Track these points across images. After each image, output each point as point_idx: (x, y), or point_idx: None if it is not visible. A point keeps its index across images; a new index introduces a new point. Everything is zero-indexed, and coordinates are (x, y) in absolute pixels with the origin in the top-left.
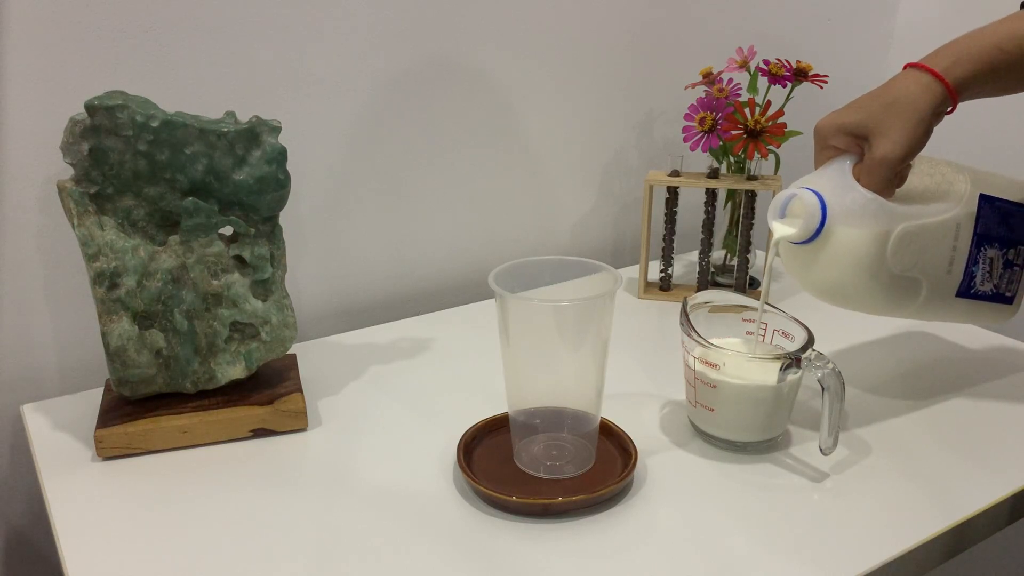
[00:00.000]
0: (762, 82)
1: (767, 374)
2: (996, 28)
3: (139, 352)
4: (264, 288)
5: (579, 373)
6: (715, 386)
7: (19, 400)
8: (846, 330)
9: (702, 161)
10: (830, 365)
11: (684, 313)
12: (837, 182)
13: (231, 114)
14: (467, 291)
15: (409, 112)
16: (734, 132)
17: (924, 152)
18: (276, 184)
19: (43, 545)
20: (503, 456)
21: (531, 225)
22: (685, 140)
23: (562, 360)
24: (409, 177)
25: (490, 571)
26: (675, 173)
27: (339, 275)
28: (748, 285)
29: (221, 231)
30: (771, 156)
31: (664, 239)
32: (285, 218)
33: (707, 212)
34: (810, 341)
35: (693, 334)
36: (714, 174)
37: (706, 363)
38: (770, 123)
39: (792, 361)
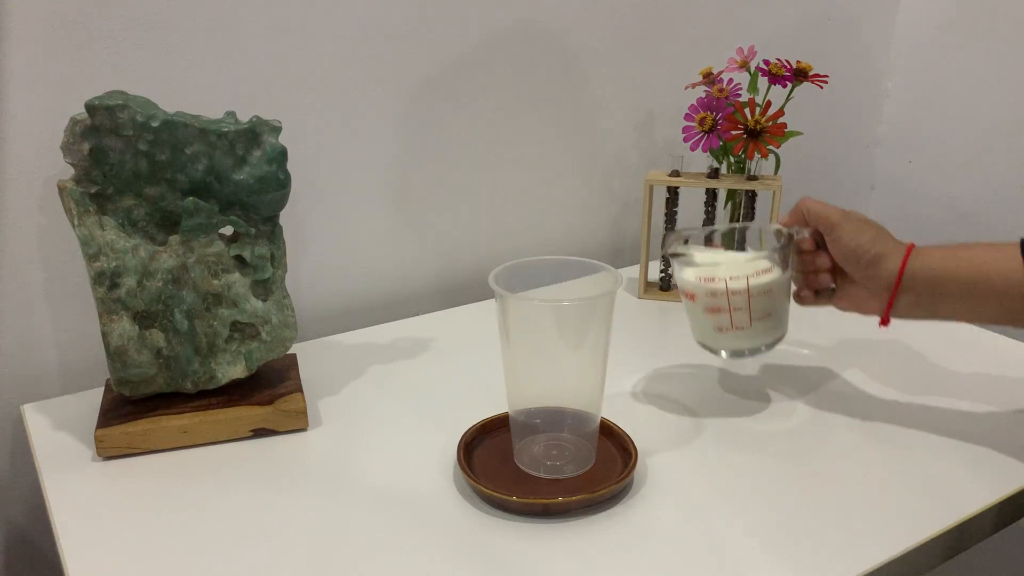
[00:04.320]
0: (762, 82)
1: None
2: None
3: (139, 352)
4: (264, 288)
5: (579, 373)
6: (762, 292)
7: (19, 400)
8: (846, 331)
9: (702, 161)
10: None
11: (683, 253)
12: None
13: (231, 114)
14: (467, 291)
15: (409, 112)
16: (734, 132)
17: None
18: (276, 184)
19: (43, 545)
20: (503, 456)
21: (531, 225)
22: (685, 140)
23: (562, 360)
24: (409, 177)
25: (490, 571)
26: (675, 173)
27: (339, 275)
28: None
29: (221, 231)
30: (771, 156)
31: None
32: (285, 218)
33: (707, 212)
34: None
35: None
36: (714, 174)
37: (732, 279)
38: (770, 123)
39: (786, 235)
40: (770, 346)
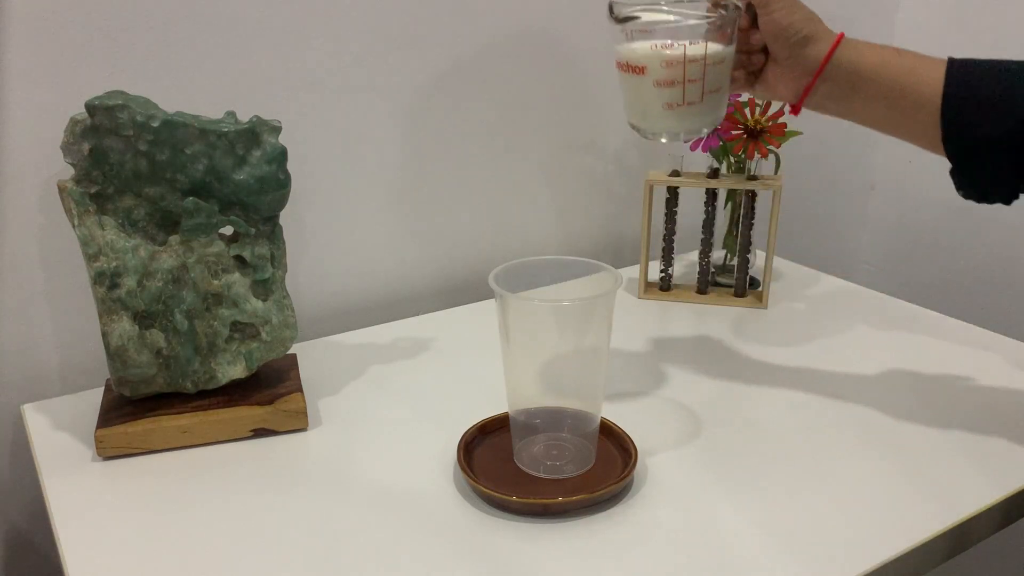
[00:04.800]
0: None
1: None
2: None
3: (139, 352)
4: (264, 288)
5: (579, 373)
6: (717, 62)
7: (19, 400)
8: (845, 331)
9: (702, 161)
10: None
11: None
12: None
13: (231, 114)
14: (467, 291)
15: (409, 113)
16: (734, 132)
17: None
18: (276, 184)
19: (43, 545)
20: (503, 456)
21: (531, 225)
22: (685, 140)
23: (562, 360)
24: (409, 177)
25: (490, 571)
26: (675, 173)
27: (339, 275)
28: (748, 285)
29: (221, 231)
30: (771, 156)
31: (664, 239)
32: (285, 218)
33: (707, 212)
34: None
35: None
36: (714, 174)
37: (691, 44)
38: (770, 123)
39: (733, 6)
40: (711, 126)
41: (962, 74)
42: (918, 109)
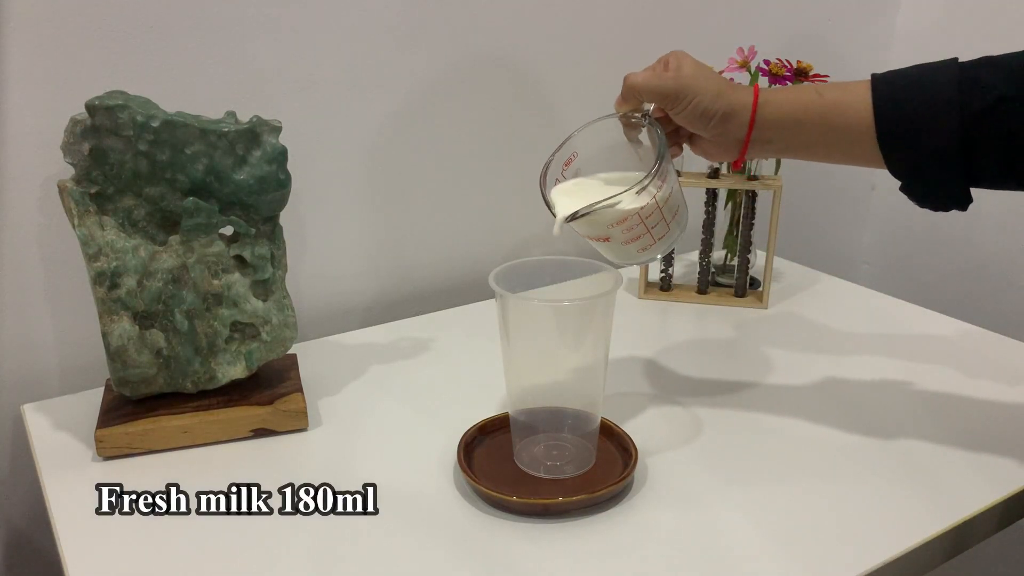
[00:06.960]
0: (762, 82)
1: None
2: (833, 98)
3: (139, 352)
4: (264, 288)
5: (579, 373)
6: (668, 197)
7: (19, 400)
8: (845, 331)
9: (702, 161)
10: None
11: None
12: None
13: (231, 114)
14: (467, 291)
15: (409, 113)
16: None
17: None
18: (276, 184)
19: (43, 545)
20: (503, 456)
21: (531, 225)
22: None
23: (562, 360)
24: (409, 177)
25: (490, 571)
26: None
27: (339, 275)
28: (748, 285)
29: (222, 231)
30: None
31: None
32: (285, 218)
33: (707, 212)
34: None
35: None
36: (714, 174)
37: (657, 191)
38: None
39: (659, 132)
40: (684, 231)
41: (888, 92)
42: (856, 140)
